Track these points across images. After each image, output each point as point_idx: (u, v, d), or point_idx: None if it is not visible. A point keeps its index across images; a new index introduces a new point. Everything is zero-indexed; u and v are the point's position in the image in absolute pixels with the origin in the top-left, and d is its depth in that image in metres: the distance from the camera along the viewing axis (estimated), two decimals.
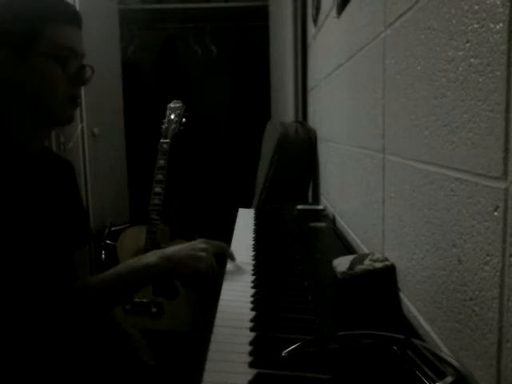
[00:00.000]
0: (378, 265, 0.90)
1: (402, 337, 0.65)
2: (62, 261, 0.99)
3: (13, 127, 0.93)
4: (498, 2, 0.52)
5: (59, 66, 0.92)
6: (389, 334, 0.66)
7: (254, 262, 1.12)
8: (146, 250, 2.22)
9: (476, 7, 0.57)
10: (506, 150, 0.51)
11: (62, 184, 1.04)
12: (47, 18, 0.90)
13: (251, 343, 0.70)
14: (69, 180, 1.09)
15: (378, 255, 0.94)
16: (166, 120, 2.27)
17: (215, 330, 0.76)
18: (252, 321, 0.78)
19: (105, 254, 2.51)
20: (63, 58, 0.92)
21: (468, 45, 0.59)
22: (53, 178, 1.01)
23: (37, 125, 0.96)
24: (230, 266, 1.09)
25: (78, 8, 2.25)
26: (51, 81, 0.92)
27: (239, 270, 1.07)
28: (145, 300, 2.17)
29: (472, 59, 0.58)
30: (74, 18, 0.95)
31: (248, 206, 2.03)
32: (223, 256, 1.10)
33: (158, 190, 2.21)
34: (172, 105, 2.31)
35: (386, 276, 0.89)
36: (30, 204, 0.90)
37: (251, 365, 0.64)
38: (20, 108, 0.92)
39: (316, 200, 2.04)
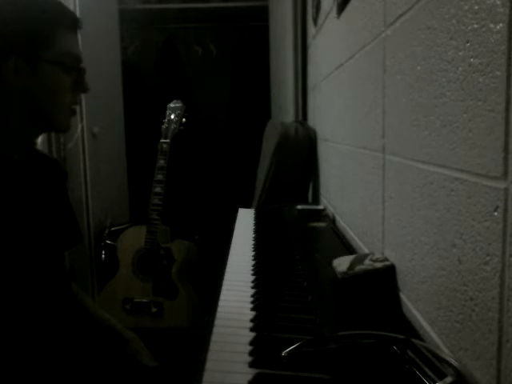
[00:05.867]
0: (378, 265, 0.90)
1: (402, 337, 0.65)
2: (51, 262, 0.96)
3: None
4: (498, 2, 0.52)
5: (65, 74, 0.90)
6: (389, 334, 0.66)
7: (253, 262, 1.12)
8: (146, 250, 2.22)
9: (476, 7, 0.57)
10: (506, 149, 0.51)
11: (47, 184, 1.00)
12: (56, 24, 0.88)
13: (251, 343, 0.70)
14: (55, 180, 1.05)
15: (377, 255, 0.94)
16: (166, 120, 2.27)
17: (215, 329, 0.76)
18: (252, 321, 0.78)
19: (105, 254, 2.51)
20: (69, 65, 0.91)
21: (468, 45, 0.59)
22: (38, 179, 0.97)
23: (30, 131, 0.93)
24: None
25: (78, 8, 2.27)
26: (59, 89, 0.90)
27: (239, 270, 1.07)
28: (145, 300, 2.17)
29: (472, 59, 0.58)
30: (76, 24, 0.93)
31: (248, 206, 2.03)
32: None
33: (157, 189, 2.21)
34: (172, 105, 2.31)
35: (386, 276, 0.89)
36: (11, 210, 0.86)
37: (251, 365, 0.64)
38: (17, 115, 0.89)
39: (316, 200, 2.04)
